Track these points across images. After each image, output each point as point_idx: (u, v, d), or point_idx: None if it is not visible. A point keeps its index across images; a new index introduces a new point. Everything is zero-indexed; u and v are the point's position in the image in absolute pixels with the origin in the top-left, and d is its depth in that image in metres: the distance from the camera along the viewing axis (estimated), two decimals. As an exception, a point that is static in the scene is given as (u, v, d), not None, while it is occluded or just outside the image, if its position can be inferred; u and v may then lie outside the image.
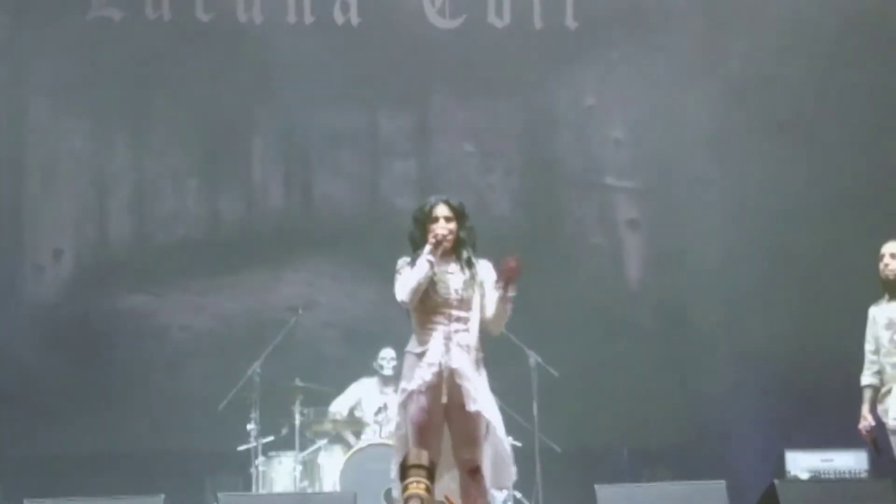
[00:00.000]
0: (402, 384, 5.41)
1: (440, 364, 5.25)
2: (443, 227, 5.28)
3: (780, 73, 10.02)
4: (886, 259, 6.03)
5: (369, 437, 8.77)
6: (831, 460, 8.96)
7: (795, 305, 9.82)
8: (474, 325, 5.39)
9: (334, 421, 9.04)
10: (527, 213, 10.35)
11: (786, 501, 6.52)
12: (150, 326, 9.53)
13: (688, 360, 9.67)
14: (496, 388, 7.23)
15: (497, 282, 5.26)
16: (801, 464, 8.91)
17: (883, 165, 9.89)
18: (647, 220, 10.34)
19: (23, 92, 9.99)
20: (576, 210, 10.43)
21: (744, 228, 9.80)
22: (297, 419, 8.76)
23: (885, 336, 6.24)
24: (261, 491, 8.69)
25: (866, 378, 6.21)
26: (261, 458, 8.67)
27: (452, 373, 5.25)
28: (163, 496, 6.87)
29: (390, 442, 7.35)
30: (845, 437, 8.03)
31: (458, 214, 5.53)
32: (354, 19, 9.62)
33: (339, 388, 9.11)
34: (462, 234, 5.51)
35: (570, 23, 9.89)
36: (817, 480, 8.51)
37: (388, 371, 8.98)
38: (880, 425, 6.29)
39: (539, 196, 10.39)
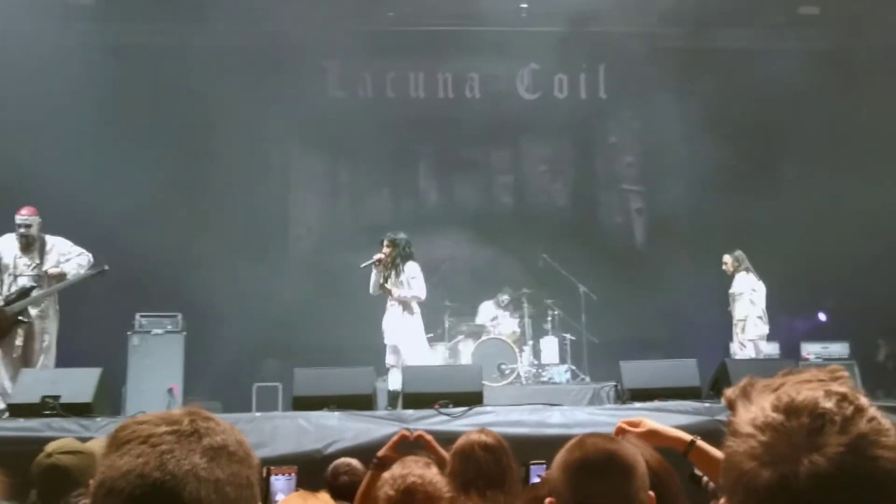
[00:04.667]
0: None
1: (386, 319, 8.80)
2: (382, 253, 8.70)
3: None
4: None
5: (487, 333, 11.63)
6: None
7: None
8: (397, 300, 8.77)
9: (468, 324, 11.97)
10: (577, 205, 13.90)
11: (733, 373, 7.47)
12: (360, 273, 10.71)
13: (668, 286, 12.10)
14: (561, 307, 11.13)
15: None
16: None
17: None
18: (647, 209, 13.91)
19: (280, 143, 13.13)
20: (605, 203, 14.07)
21: (699, 214, 12.83)
22: (446, 323, 11.93)
23: None
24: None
25: None
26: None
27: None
28: (372, 367, 8.03)
29: (500, 337, 11.31)
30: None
31: (391, 244, 8.81)
32: (477, 95, 13.48)
33: (470, 307, 12.10)
34: (395, 253, 8.77)
35: (602, 94, 13.61)
36: (749, 360, 9.99)
37: (504, 304, 11.95)
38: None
39: (584, 195, 13.98)
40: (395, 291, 8.89)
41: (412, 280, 9.00)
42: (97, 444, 3.63)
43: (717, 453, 2.42)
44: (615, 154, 13.98)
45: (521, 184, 13.87)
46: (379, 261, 8.85)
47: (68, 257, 8.87)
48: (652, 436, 2.51)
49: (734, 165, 12.43)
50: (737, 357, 10.24)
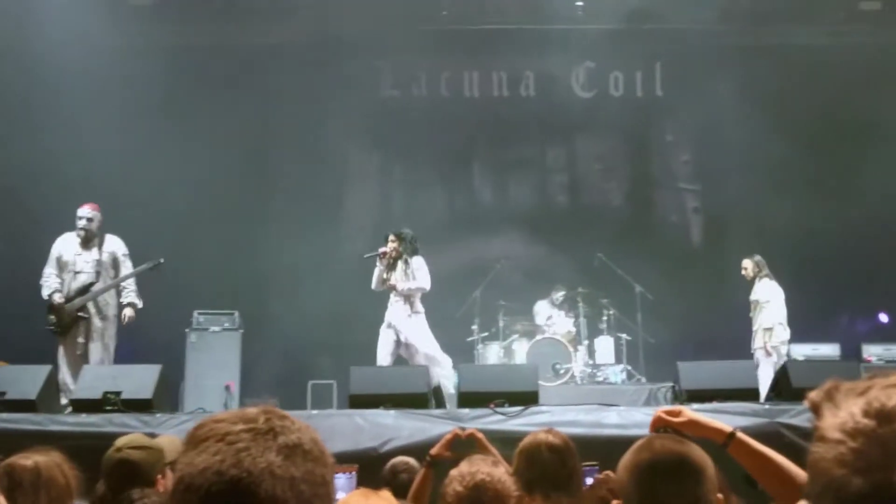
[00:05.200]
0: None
1: (391, 315, 8.81)
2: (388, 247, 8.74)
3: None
4: None
5: (542, 333, 11.64)
6: (817, 349, 11.25)
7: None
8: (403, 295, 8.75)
9: (522, 323, 11.96)
10: (633, 204, 13.73)
11: (793, 375, 7.43)
12: None
13: (724, 286, 11.81)
14: (617, 306, 11.03)
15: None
16: (799, 351, 10.90)
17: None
18: (704, 207, 13.71)
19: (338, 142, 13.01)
20: (661, 202, 13.90)
21: (757, 214, 12.67)
22: (501, 322, 11.86)
23: None
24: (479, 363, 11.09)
25: None
26: (480, 345, 11.68)
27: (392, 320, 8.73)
28: (426, 366, 8.20)
29: (555, 337, 11.33)
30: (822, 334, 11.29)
31: (398, 237, 8.85)
32: (532, 93, 13.43)
33: (525, 306, 12.05)
34: (401, 248, 8.79)
35: (659, 92, 13.47)
36: (811, 361, 10.35)
37: (558, 302, 11.94)
38: None
39: (640, 194, 13.82)
40: (401, 285, 8.88)
41: (417, 272, 8.98)
42: (165, 440, 3.70)
43: (758, 446, 2.37)
44: (671, 152, 13.87)
45: (575, 182, 13.87)
46: (384, 254, 8.85)
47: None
48: (692, 426, 2.44)
49: (793, 163, 12.25)
50: (760, 363, 10.12)
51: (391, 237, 9.08)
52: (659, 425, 2.45)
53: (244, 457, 1.27)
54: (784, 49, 12.85)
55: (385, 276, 9.02)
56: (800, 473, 2.32)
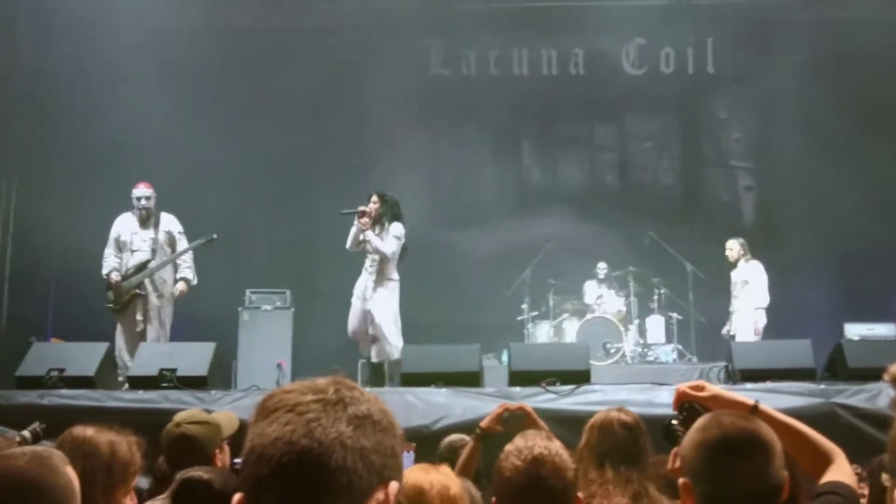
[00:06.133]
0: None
1: (362, 281, 8.42)
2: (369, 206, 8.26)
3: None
4: None
5: (592, 312, 11.63)
6: (873, 329, 10.83)
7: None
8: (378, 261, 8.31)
9: (572, 302, 11.97)
10: (683, 183, 13.70)
11: (849, 354, 7.48)
12: (466, 252, 12.28)
13: (777, 266, 11.21)
14: (668, 285, 10.94)
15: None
16: (854, 331, 10.60)
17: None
18: (756, 186, 13.49)
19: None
20: (713, 180, 13.77)
21: (813, 192, 12.38)
22: (551, 301, 11.91)
23: None
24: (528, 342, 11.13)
25: None
26: (531, 324, 11.71)
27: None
28: (478, 344, 8.10)
29: (606, 316, 11.29)
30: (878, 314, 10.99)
31: (381, 198, 8.33)
32: (581, 71, 13.29)
33: (574, 285, 12.03)
34: (382, 209, 8.27)
35: (710, 69, 13.26)
36: (866, 341, 10.02)
37: (601, 275, 11.90)
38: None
39: (691, 172, 13.75)
40: (373, 242, 8.45)
41: (393, 238, 8.56)
42: (222, 416, 3.76)
43: (783, 417, 2.37)
44: (723, 130, 13.67)
45: (625, 161, 13.74)
46: (363, 213, 8.40)
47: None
48: (715, 400, 2.44)
49: (851, 140, 12.01)
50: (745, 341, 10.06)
51: (374, 197, 8.63)
52: (683, 400, 2.45)
53: (315, 427, 1.28)
54: (842, 22, 12.59)
55: (361, 236, 8.60)
56: (826, 443, 2.35)
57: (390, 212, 8.49)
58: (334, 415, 1.29)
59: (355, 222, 8.40)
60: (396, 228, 8.47)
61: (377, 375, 8.50)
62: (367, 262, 8.51)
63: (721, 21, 12.87)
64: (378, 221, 8.47)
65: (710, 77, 13.34)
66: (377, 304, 8.50)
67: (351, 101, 12.63)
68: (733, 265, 10.52)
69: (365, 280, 8.52)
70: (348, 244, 8.52)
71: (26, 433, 3.65)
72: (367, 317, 8.52)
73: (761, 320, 10.45)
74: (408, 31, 12.82)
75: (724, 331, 10.83)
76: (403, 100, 12.64)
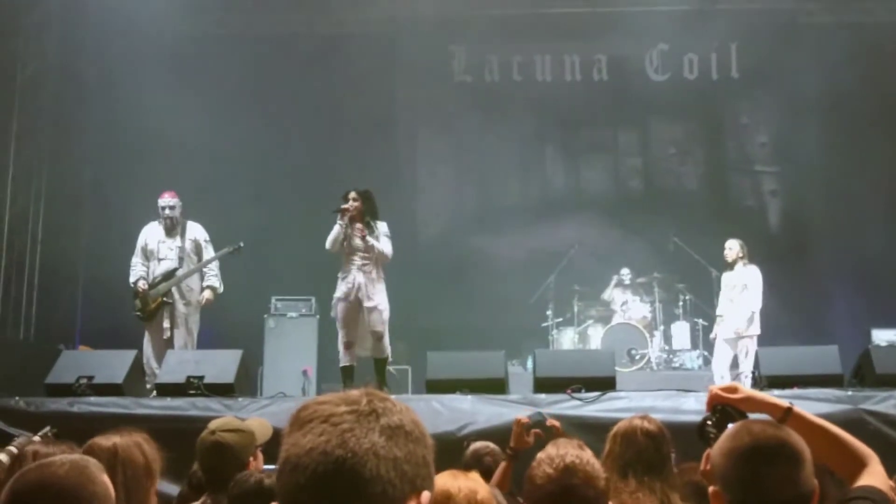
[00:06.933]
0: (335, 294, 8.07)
1: (354, 281, 8.12)
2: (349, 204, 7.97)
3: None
4: None
5: (617, 318, 11.65)
6: (901, 335, 10.32)
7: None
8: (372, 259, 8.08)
9: (597, 308, 12.01)
10: (708, 188, 13.66)
11: (877, 360, 7.42)
12: (490, 257, 12.38)
13: (803, 271, 11.76)
14: (693, 291, 10.90)
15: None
16: (882, 337, 10.45)
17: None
18: (782, 191, 13.41)
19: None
20: (737, 185, 13.72)
21: (839, 196, 12.37)
22: (575, 307, 11.90)
23: None
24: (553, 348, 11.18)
25: None
26: (555, 331, 11.73)
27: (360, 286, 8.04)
28: (503, 351, 8.07)
29: (630, 322, 11.26)
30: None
31: (360, 196, 8.07)
32: (605, 77, 13.32)
33: (599, 292, 12.03)
34: (364, 207, 8.01)
35: (734, 74, 13.28)
36: (894, 346, 9.86)
37: (626, 280, 11.89)
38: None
39: (715, 177, 13.69)
40: (377, 246, 8.22)
41: (385, 237, 8.37)
42: (255, 423, 3.80)
43: (817, 420, 2.34)
44: (748, 135, 13.62)
45: (649, 166, 13.71)
46: (345, 211, 8.11)
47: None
48: (748, 402, 2.41)
49: (876, 144, 11.99)
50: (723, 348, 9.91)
51: (352, 195, 8.35)
52: (716, 402, 2.41)
53: (349, 437, 1.30)
54: (865, 26, 12.54)
55: (346, 233, 8.31)
56: (861, 446, 2.32)
57: (372, 209, 8.31)
58: (367, 425, 1.32)
59: (339, 222, 8.17)
60: (384, 227, 8.32)
61: (351, 377, 8.34)
62: (359, 262, 8.25)
63: (745, 26, 12.79)
64: (362, 220, 8.27)
65: (734, 82, 13.29)
66: (381, 302, 8.36)
67: (375, 110, 12.71)
68: (729, 266, 10.24)
69: (360, 279, 8.24)
70: (328, 245, 8.28)
71: (36, 438, 3.73)
72: (370, 315, 8.34)
73: (756, 325, 10.01)
74: (431, 39, 12.87)
75: (712, 336, 10.30)
76: (428, 107, 12.76)
